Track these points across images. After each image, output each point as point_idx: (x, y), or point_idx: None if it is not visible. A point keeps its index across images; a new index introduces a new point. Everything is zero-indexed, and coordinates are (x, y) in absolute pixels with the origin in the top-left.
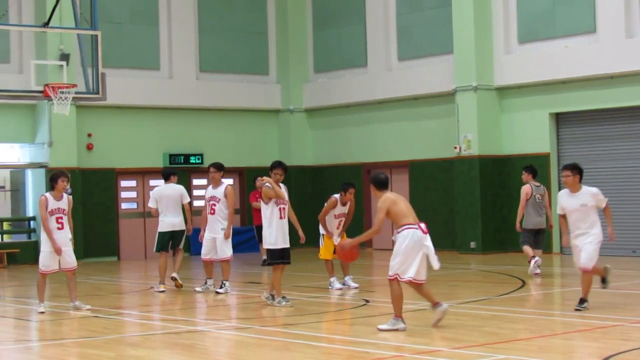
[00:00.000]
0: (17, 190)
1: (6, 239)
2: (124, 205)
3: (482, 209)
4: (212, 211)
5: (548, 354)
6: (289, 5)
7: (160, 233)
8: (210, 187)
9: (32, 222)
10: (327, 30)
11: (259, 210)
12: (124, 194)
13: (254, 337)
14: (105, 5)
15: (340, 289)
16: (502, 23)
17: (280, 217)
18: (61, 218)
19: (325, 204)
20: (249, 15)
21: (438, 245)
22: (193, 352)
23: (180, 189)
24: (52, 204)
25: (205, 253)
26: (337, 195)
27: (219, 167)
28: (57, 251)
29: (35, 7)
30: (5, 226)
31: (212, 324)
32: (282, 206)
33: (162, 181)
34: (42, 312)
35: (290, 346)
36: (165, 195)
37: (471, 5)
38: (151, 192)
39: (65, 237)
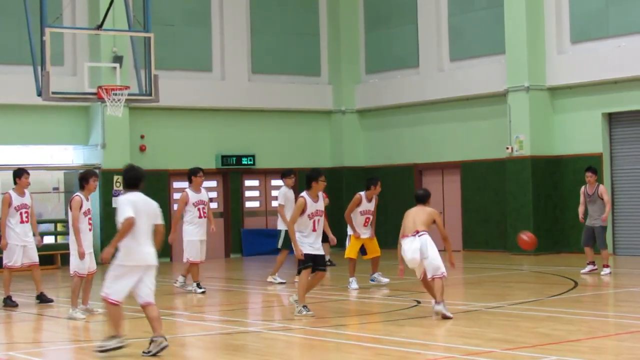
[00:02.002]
0: (71, 192)
1: (60, 240)
2: (176, 207)
3: (534, 210)
4: (204, 215)
5: (601, 355)
6: (341, 6)
7: (285, 231)
8: (191, 190)
9: None
10: (378, 31)
11: None
12: (176, 195)
13: (305, 338)
14: (158, 8)
15: (357, 288)
16: (554, 23)
17: (313, 230)
18: (91, 219)
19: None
20: (301, 17)
21: (489, 246)
22: (245, 353)
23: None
24: (85, 204)
25: (200, 256)
26: (362, 193)
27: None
28: (81, 255)
29: (88, 10)
30: (60, 227)
31: (263, 324)
32: (317, 218)
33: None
34: (84, 318)
35: (342, 347)
36: (291, 197)
37: (523, 5)
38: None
39: (91, 239)
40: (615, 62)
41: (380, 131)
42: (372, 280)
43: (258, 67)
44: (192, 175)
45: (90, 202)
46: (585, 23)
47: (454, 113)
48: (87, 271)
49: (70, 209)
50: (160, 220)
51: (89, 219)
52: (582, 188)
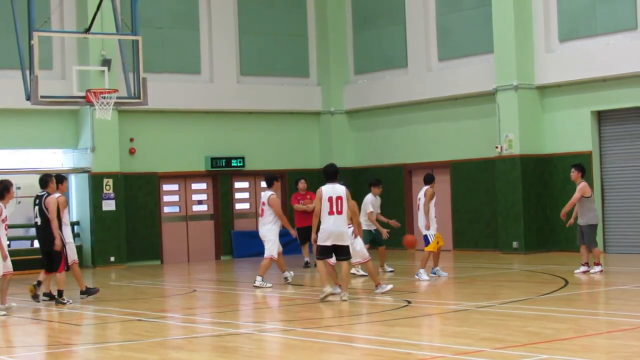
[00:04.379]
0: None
1: None
2: (166, 209)
3: (524, 209)
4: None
5: (592, 353)
6: (329, 7)
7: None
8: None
9: (75, 227)
10: (367, 32)
11: (300, 212)
12: (166, 198)
13: (296, 339)
14: (146, 11)
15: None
16: (542, 21)
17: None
18: (7, 226)
19: (424, 197)
20: (289, 18)
21: (479, 245)
22: (236, 355)
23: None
24: (4, 212)
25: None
26: (428, 187)
27: None
28: (5, 257)
29: (77, 14)
30: None
31: (254, 326)
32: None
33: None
34: (5, 314)
35: (333, 348)
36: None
37: (511, 4)
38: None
39: (6, 243)
40: (603, 60)
41: (370, 132)
42: (434, 272)
43: (247, 69)
44: (274, 180)
45: (7, 209)
46: (574, 21)
47: (443, 113)
48: (4, 272)
49: None
50: None
51: (5, 225)
52: None
